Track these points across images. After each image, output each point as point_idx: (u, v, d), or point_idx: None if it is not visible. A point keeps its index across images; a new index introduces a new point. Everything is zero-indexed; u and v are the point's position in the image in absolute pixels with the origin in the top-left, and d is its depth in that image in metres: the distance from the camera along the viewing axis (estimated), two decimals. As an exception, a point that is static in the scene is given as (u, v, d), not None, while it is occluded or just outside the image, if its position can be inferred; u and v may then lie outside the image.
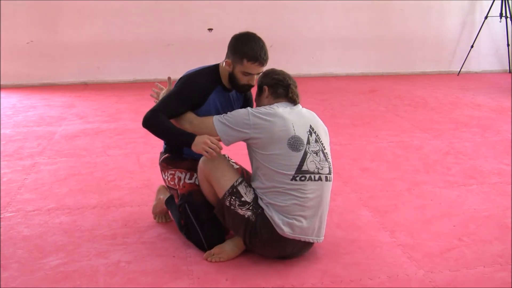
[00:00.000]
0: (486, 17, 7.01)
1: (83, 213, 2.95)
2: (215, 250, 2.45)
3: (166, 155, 2.72)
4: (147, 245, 2.61)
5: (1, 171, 3.56)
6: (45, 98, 5.75)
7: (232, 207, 2.36)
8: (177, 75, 7.40)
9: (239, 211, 2.36)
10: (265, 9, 6.74)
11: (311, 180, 2.35)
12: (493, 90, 6.30)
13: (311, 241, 2.41)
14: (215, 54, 6.66)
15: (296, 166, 2.33)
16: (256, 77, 2.50)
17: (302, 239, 2.37)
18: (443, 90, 6.26)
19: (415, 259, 2.50)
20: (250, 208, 2.36)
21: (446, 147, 4.15)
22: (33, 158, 3.83)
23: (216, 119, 2.41)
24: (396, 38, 7.15)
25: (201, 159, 2.47)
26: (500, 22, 7.11)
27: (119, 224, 2.83)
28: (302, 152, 2.35)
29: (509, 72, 7.39)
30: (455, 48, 7.35)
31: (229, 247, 2.45)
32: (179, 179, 2.62)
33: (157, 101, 2.67)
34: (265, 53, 2.46)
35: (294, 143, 2.34)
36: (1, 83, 6.25)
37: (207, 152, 2.34)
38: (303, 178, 2.33)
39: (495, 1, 6.96)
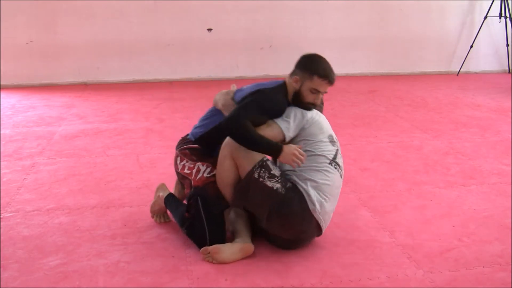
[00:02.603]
0: (485, 17, 7.01)
1: (83, 213, 2.95)
2: (212, 249, 2.43)
3: (194, 145, 2.69)
4: (146, 245, 2.61)
5: (1, 171, 3.56)
6: (45, 98, 5.75)
7: (260, 179, 2.39)
8: (177, 75, 7.43)
9: (268, 183, 2.39)
10: (265, 9, 6.74)
11: (339, 173, 2.54)
12: (493, 90, 6.30)
13: (322, 228, 2.51)
14: (215, 54, 6.75)
15: (332, 156, 2.52)
16: (321, 96, 2.59)
17: (320, 223, 2.47)
18: (443, 90, 6.26)
19: (414, 259, 2.50)
20: (279, 181, 2.41)
21: (446, 147, 4.15)
22: (33, 158, 3.83)
23: (279, 120, 2.52)
24: (396, 38, 7.15)
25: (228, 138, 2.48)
26: (500, 22, 7.11)
27: (118, 224, 2.83)
28: (336, 148, 2.57)
29: (509, 72, 7.39)
30: (454, 48, 7.35)
31: (226, 252, 2.43)
32: (198, 171, 2.60)
33: (229, 105, 2.64)
34: (334, 75, 2.55)
35: (332, 140, 2.57)
36: (1, 83, 6.25)
37: (295, 162, 2.40)
38: (336, 167, 2.53)
39: (495, 1, 6.96)
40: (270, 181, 2.39)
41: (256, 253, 2.51)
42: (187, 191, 2.63)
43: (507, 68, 7.43)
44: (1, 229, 2.75)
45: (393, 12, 7.09)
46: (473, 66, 7.40)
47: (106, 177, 3.49)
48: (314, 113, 2.57)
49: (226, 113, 2.60)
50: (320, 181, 2.46)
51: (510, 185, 3.39)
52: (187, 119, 4.91)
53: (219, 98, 2.73)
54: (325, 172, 2.47)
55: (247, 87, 2.69)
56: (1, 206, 3.03)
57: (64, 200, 3.13)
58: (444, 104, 5.60)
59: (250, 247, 2.46)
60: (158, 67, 6.64)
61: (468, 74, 7.33)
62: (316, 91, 2.54)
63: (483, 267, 2.43)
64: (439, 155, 3.99)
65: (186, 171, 2.64)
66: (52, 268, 2.39)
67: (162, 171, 3.60)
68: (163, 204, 2.78)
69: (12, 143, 4.17)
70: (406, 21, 7.14)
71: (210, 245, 2.47)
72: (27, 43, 6.31)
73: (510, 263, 2.46)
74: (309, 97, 2.55)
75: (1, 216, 2.91)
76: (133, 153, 3.97)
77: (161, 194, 2.82)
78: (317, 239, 2.63)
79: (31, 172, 3.57)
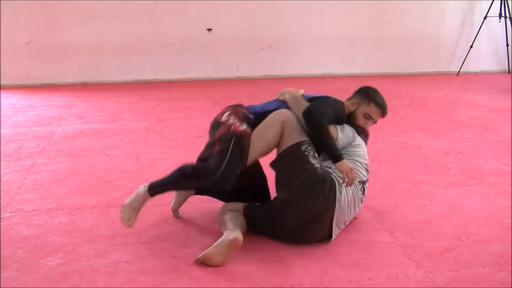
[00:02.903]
0: (485, 17, 7.01)
1: (83, 213, 2.95)
2: (203, 257, 2.39)
3: (250, 116, 2.73)
4: (146, 245, 2.61)
5: (1, 171, 3.56)
6: (45, 98, 5.75)
7: (306, 153, 2.51)
8: (177, 75, 7.44)
9: (311, 160, 2.51)
10: (265, 9, 6.74)
11: (361, 197, 2.69)
12: (493, 90, 6.31)
13: (333, 228, 2.57)
14: (215, 54, 6.74)
15: (364, 180, 2.70)
16: (369, 123, 2.83)
17: (334, 218, 2.54)
18: (443, 90, 6.26)
19: (414, 259, 2.50)
20: (319, 163, 2.55)
21: (446, 147, 4.15)
22: (33, 158, 3.83)
23: (338, 128, 2.70)
24: (396, 38, 7.16)
25: (286, 109, 2.65)
26: (499, 22, 7.11)
27: (118, 224, 2.82)
28: (368, 178, 2.77)
29: (508, 72, 7.39)
30: (454, 48, 7.36)
31: (217, 256, 2.39)
32: (241, 124, 2.63)
33: (297, 98, 2.77)
34: (387, 109, 2.85)
35: (367, 169, 2.78)
36: (1, 83, 6.25)
37: (347, 176, 2.51)
38: (362, 190, 2.68)
39: (494, 1, 6.96)
40: (313, 159, 2.52)
41: (256, 253, 2.52)
42: (222, 130, 2.63)
43: (507, 68, 7.44)
44: (1, 229, 2.75)
45: (393, 12, 7.10)
46: (473, 66, 7.41)
47: (106, 177, 3.49)
48: (360, 139, 2.79)
49: (292, 104, 2.72)
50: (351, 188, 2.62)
51: (510, 185, 3.39)
52: (187, 119, 4.91)
53: (287, 91, 2.84)
54: (355, 184, 2.61)
55: (311, 94, 2.90)
56: (1, 206, 3.03)
57: (64, 200, 3.13)
58: (444, 104, 5.60)
59: (236, 239, 2.39)
60: (158, 67, 6.65)
61: (468, 74, 7.33)
62: (369, 117, 2.80)
63: (483, 267, 2.43)
64: (439, 155, 3.99)
65: (230, 122, 2.65)
66: (52, 268, 2.39)
67: (162, 171, 3.59)
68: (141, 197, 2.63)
69: (12, 143, 4.17)
70: (406, 21, 7.15)
71: (215, 179, 2.50)
72: (27, 43, 6.31)
73: (510, 263, 2.46)
74: (361, 120, 2.80)
75: (1, 216, 2.91)
76: (133, 153, 3.97)
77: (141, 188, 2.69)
78: (317, 239, 2.64)
79: (31, 172, 3.58)
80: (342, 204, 2.54)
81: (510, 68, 7.40)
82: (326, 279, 2.33)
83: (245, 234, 2.64)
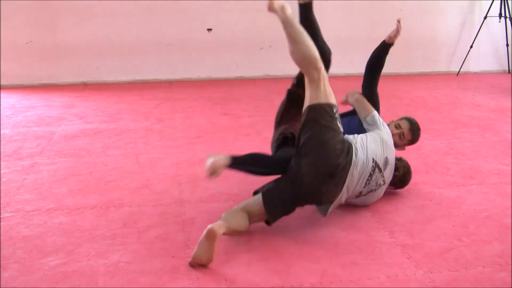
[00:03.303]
0: (485, 17, 7.01)
1: (83, 213, 2.95)
2: (193, 261, 2.40)
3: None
4: (146, 245, 2.61)
5: (1, 171, 3.56)
6: (45, 98, 5.75)
7: (336, 116, 2.71)
8: (176, 75, 7.41)
9: (338, 123, 2.72)
10: (265, 9, 6.71)
11: (371, 180, 2.85)
12: (493, 90, 6.30)
13: (342, 191, 2.71)
14: (215, 54, 6.74)
15: (380, 161, 2.89)
16: (398, 132, 3.22)
17: (346, 178, 2.68)
18: (443, 90, 6.26)
19: (414, 259, 2.50)
20: (342, 128, 2.77)
21: (446, 147, 4.15)
22: (33, 158, 3.83)
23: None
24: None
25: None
26: (499, 22, 7.11)
27: (118, 224, 2.83)
28: (389, 164, 2.99)
29: (508, 72, 7.39)
30: (454, 48, 7.35)
31: (203, 256, 2.39)
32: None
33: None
34: (419, 131, 3.30)
35: (387, 162, 2.99)
36: (1, 83, 6.25)
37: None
38: (374, 170, 2.83)
39: (494, 1, 6.96)
40: (339, 122, 2.74)
41: (256, 253, 2.52)
42: None
43: (507, 68, 7.43)
44: (1, 229, 2.75)
45: (393, 12, 7.08)
46: (473, 66, 7.40)
47: (106, 177, 3.49)
48: (388, 130, 3.12)
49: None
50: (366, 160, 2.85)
51: (510, 185, 3.39)
52: (187, 119, 4.91)
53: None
54: (368, 159, 2.81)
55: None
56: (1, 206, 3.03)
57: (64, 200, 3.13)
58: (444, 104, 5.60)
59: (209, 230, 2.38)
60: (158, 67, 6.64)
61: (468, 74, 7.32)
62: (399, 126, 3.23)
63: (483, 267, 2.44)
64: (439, 155, 3.99)
65: None
66: (52, 268, 2.40)
67: (162, 171, 3.60)
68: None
69: (12, 143, 4.17)
70: (406, 21, 7.09)
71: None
72: (27, 43, 6.31)
73: (510, 263, 2.47)
74: (391, 127, 3.21)
75: (1, 216, 2.91)
76: (133, 153, 3.97)
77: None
78: (317, 239, 2.64)
79: (31, 172, 3.57)
80: (357, 166, 2.71)
81: (510, 68, 7.39)
82: (326, 279, 2.33)
83: (245, 233, 2.65)
